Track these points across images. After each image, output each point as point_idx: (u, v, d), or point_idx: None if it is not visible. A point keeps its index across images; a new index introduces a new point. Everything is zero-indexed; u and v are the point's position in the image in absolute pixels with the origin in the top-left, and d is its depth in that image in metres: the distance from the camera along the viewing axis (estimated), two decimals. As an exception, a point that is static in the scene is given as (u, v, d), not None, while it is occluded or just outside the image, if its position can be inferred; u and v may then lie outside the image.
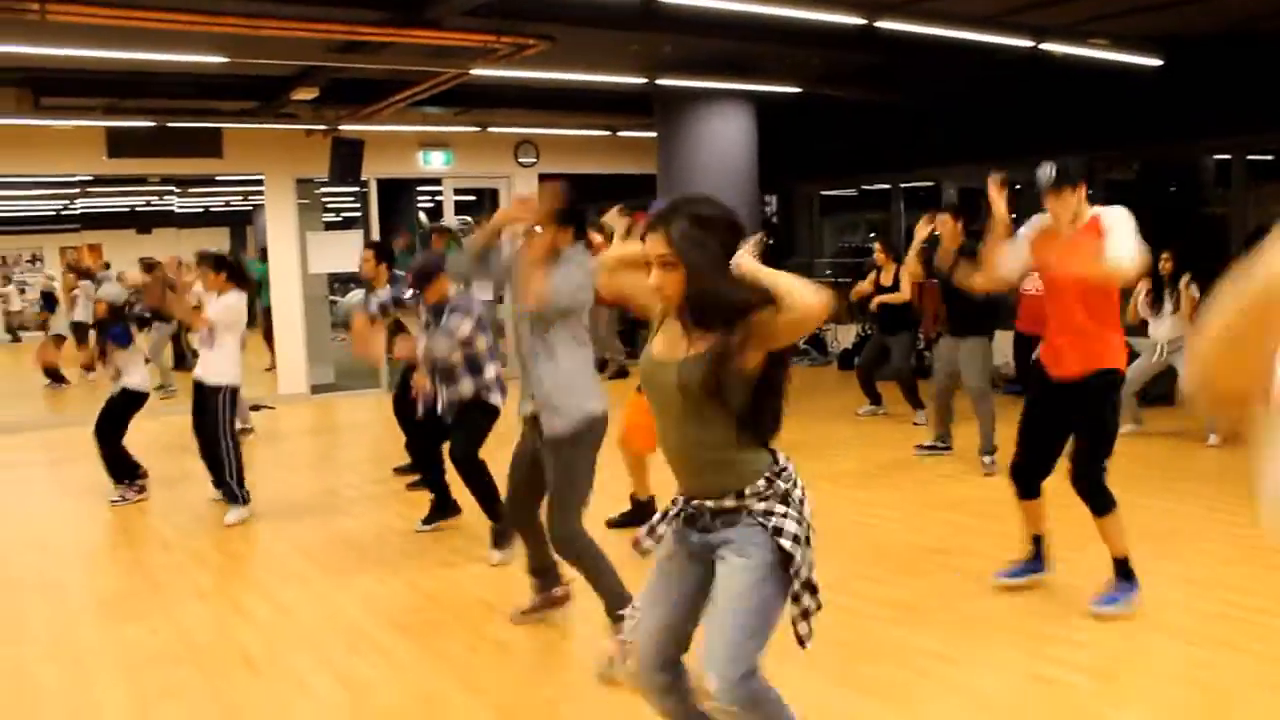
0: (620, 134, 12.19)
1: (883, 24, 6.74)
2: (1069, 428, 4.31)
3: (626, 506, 5.78)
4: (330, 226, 14.85)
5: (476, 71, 7.94)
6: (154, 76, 9.15)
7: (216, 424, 6.31)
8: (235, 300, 6.26)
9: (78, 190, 18.58)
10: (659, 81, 8.91)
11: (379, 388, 11.56)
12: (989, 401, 6.90)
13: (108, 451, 6.78)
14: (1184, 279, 7.23)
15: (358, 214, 13.09)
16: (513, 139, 12.79)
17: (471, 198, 14.60)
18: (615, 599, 3.79)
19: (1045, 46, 7.64)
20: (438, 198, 13.67)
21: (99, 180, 14.80)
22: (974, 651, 3.96)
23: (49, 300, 15.00)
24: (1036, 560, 4.62)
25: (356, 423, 10.61)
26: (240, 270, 6.50)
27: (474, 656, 4.13)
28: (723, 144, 9.51)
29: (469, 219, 16.08)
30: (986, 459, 6.78)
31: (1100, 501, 4.20)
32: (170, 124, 10.07)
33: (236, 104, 10.11)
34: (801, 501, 2.47)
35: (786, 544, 2.37)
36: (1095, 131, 9.49)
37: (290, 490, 7.22)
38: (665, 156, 9.72)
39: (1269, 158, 9.58)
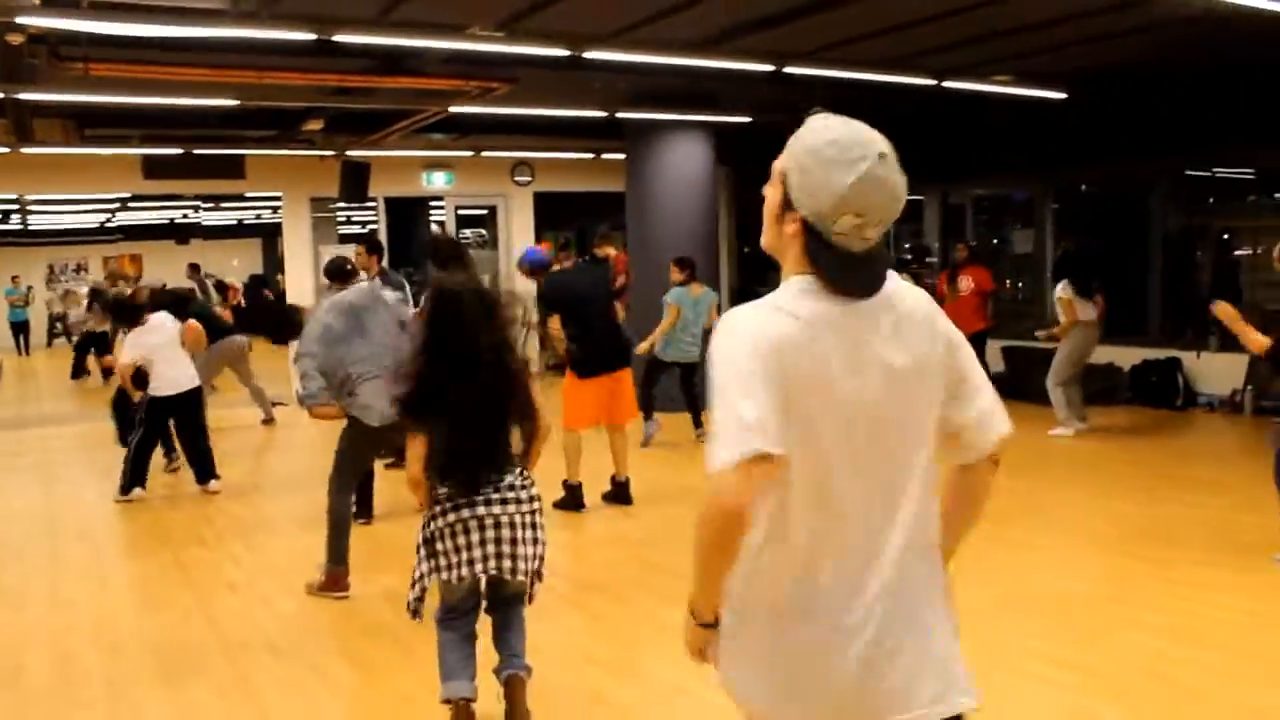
0: (603, 156, 13.35)
1: (791, 69, 7.82)
2: None
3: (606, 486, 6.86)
4: (346, 239, 16.09)
5: (454, 109, 9.16)
6: (184, 110, 10.43)
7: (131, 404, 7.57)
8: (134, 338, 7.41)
9: (118, 205, 20.05)
10: (618, 115, 10.07)
11: (384, 386, 12.76)
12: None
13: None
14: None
15: (377, 226, 14.31)
16: (508, 161, 14.02)
17: (484, 211, 15.72)
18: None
19: (948, 84, 8.68)
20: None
21: (137, 196, 16.15)
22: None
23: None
24: None
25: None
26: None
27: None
28: (682, 168, 10.65)
29: (483, 232, 17.25)
30: None
31: None
32: (197, 150, 11.40)
33: (257, 132, 11.41)
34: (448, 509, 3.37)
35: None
36: (1046, 152, 10.76)
37: (290, 470, 8.43)
38: (632, 179, 10.89)
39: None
